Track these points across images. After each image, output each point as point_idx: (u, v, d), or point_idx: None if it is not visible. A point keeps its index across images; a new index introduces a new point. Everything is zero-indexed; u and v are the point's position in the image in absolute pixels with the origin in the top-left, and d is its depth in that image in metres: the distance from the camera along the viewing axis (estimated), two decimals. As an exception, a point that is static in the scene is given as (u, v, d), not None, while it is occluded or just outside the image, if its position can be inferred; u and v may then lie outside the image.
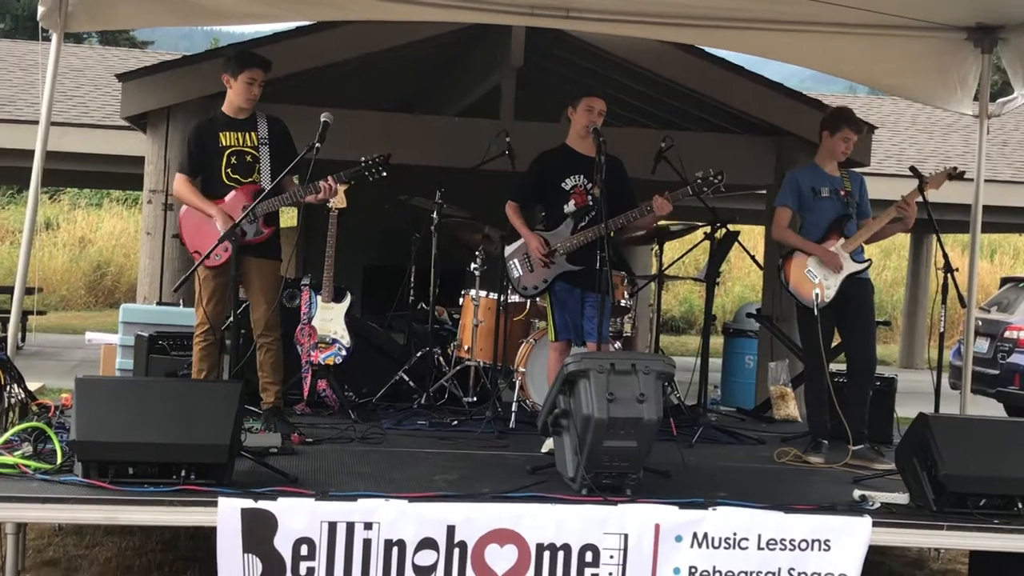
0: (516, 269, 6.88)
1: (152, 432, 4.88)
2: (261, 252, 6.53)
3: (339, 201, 7.26)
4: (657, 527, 4.86)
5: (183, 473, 4.89)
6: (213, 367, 6.51)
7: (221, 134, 6.54)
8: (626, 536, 4.84)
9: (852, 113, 7.04)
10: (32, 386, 6.63)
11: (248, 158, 6.53)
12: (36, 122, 6.33)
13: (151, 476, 4.88)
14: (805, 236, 6.90)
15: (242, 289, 6.64)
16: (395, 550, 4.68)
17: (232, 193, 6.49)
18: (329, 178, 6.38)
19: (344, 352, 7.73)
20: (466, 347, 8.20)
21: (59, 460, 5.15)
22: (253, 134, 6.56)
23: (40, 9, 6.22)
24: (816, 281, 6.74)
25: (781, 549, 4.93)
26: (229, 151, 6.53)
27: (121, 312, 8.55)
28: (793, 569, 4.93)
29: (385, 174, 6.52)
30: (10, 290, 7.86)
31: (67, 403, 6.16)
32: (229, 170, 6.52)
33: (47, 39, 6.30)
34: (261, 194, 6.38)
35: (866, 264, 6.86)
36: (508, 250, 6.98)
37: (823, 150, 6.99)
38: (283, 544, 4.63)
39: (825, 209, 6.87)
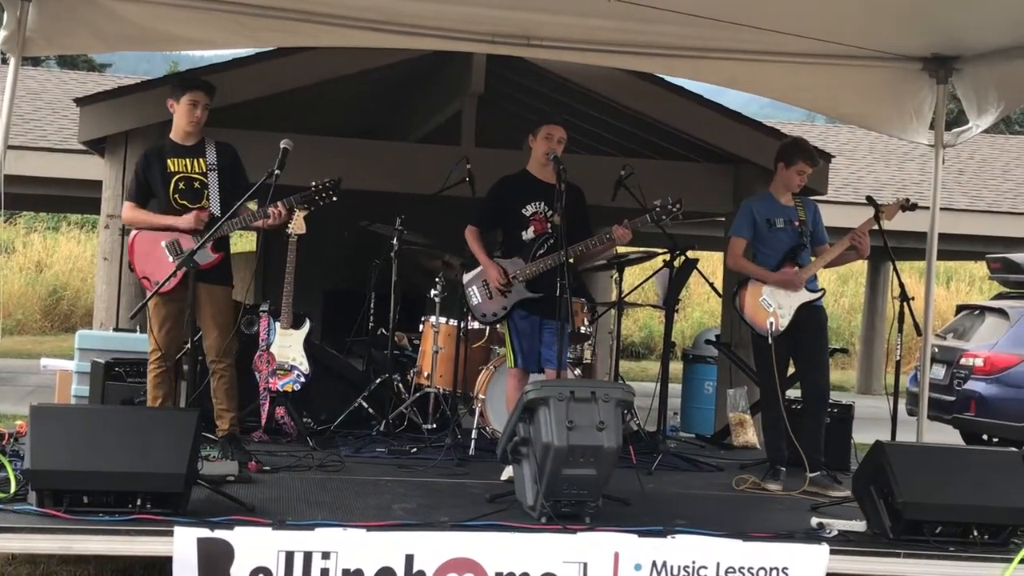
0: (475, 296, 6.88)
1: (107, 461, 4.84)
2: (211, 278, 6.50)
3: (298, 227, 7.23)
4: (616, 555, 4.86)
5: (139, 502, 4.85)
6: (168, 395, 6.47)
7: (168, 160, 6.56)
8: (585, 564, 4.84)
9: (808, 145, 7.10)
10: (-15, 413, 6.56)
11: (196, 184, 6.54)
12: (-8, 146, 6.26)
13: (106, 505, 4.85)
14: (759, 266, 6.94)
15: None
16: (353, 580, 4.65)
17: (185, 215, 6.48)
18: (279, 203, 6.39)
19: (302, 379, 7.69)
20: (426, 374, 8.18)
21: (13, 489, 5.10)
22: (201, 160, 6.57)
23: (1, 34, 6.18)
24: (770, 310, 6.78)
25: (740, 577, 4.94)
26: (176, 177, 6.54)
27: (77, 339, 8.47)
28: (752, 597, 4.95)
29: (336, 198, 6.53)
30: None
31: (22, 430, 6.09)
32: (177, 196, 6.53)
33: (4, 63, 6.25)
34: (210, 219, 6.39)
35: (820, 293, 6.91)
36: (467, 277, 6.98)
37: (778, 181, 7.04)
38: (239, 575, 4.59)
39: (780, 240, 6.92)
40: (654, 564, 4.88)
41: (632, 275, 8.80)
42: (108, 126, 9.30)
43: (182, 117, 6.56)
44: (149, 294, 6.23)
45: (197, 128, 6.59)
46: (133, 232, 6.65)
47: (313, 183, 6.54)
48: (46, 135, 14.76)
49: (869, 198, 7.11)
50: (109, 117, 9.30)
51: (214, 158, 6.58)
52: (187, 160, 6.56)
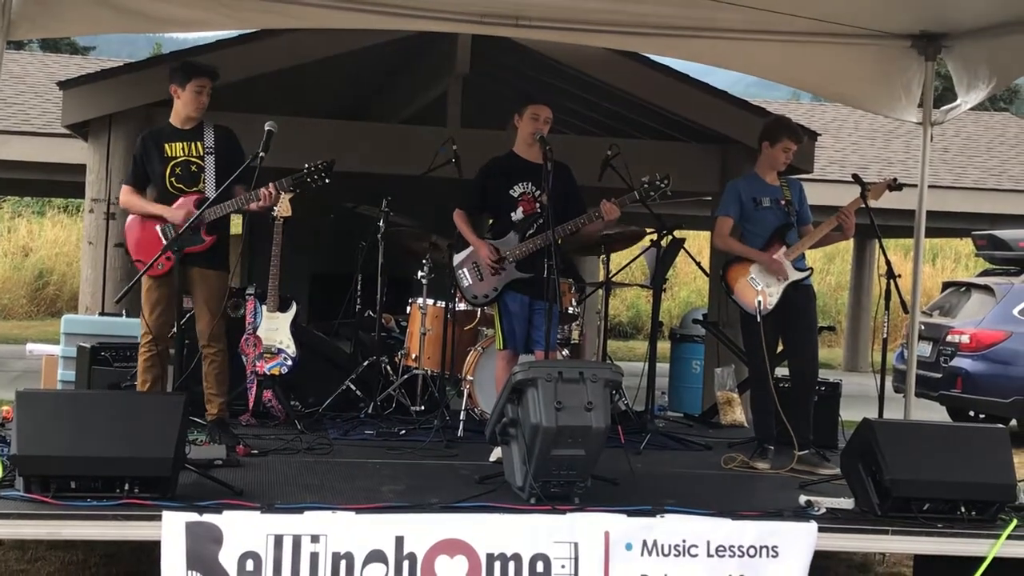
0: (466, 278, 6.86)
1: (95, 446, 4.82)
2: (204, 262, 6.49)
3: (284, 209, 7.19)
4: (607, 535, 4.86)
5: (127, 487, 4.83)
6: (158, 378, 6.45)
7: (166, 145, 6.54)
8: (576, 544, 4.84)
9: (792, 123, 7.10)
10: (-29, 399, 6.54)
11: (193, 167, 6.52)
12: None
13: (94, 490, 4.82)
14: (747, 246, 6.94)
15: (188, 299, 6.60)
16: (343, 563, 4.64)
17: (178, 202, 6.46)
18: (270, 185, 6.38)
19: (290, 362, 7.67)
20: (413, 356, 8.17)
21: (0, 475, 5.07)
22: (199, 144, 6.55)
23: (-14, 18, 6.12)
24: (758, 288, 6.77)
25: (731, 556, 4.95)
26: (173, 162, 6.52)
27: (63, 323, 8.44)
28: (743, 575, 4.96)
29: (328, 181, 6.52)
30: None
31: (8, 416, 6.07)
32: (173, 179, 6.51)
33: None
34: (205, 202, 6.35)
35: (808, 272, 6.91)
36: (457, 259, 6.96)
37: (763, 160, 7.03)
38: (228, 559, 4.57)
39: (766, 219, 6.91)
40: (644, 543, 4.88)
41: (619, 255, 8.81)
42: (91, 110, 9.26)
43: (188, 103, 6.54)
44: (136, 276, 6.20)
45: (201, 114, 6.59)
46: (130, 216, 6.65)
47: (306, 165, 6.53)
48: (29, 119, 14.68)
49: (855, 176, 7.10)
50: (92, 101, 9.25)
51: (211, 142, 6.56)
52: (185, 144, 6.54)
